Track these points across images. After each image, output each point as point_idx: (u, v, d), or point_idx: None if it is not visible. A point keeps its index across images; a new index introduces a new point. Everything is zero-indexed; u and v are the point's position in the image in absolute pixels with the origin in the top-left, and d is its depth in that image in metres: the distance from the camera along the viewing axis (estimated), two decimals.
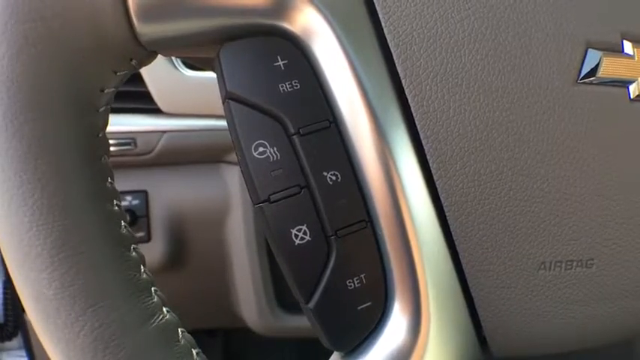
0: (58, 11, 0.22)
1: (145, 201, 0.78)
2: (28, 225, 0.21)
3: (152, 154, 0.75)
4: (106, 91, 0.24)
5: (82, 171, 0.23)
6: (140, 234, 0.78)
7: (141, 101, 0.74)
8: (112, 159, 0.25)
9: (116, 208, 0.24)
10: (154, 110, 0.74)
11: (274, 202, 0.23)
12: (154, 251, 0.79)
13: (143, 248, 0.26)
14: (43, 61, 0.22)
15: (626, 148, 0.25)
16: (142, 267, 0.24)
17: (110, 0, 0.22)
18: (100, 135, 0.25)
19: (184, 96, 0.73)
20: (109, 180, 0.24)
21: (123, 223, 0.24)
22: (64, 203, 0.22)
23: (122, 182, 0.77)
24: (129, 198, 0.77)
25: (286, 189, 0.23)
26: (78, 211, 0.22)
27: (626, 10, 0.24)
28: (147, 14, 0.23)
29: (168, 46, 0.25)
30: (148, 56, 0.25)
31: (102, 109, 0.25)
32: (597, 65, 0.24)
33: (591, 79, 0.24)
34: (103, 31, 0.23)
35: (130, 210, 0.77)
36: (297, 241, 0.23)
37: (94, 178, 0.23)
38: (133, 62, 0.25)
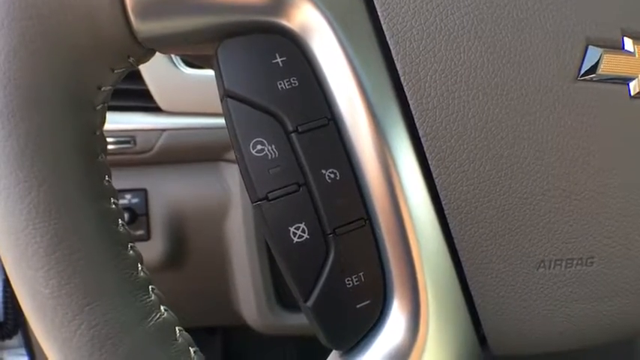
0: (55, 8, 0.22)
1: (144, 199, 0.78)
2: (24, 223, 0.21)
3: (152, 153, 0.75)
4: (103, 89, 0.24)
5: (79, 169, 0.23)
6: (140, 232, 0.78)
7: (140, 99, 0.74)
8: (111, 157, 0.25)
9: (113, 206, 0.24)
10: (154, 108, 0.74)
11: (272, 200, 0.23)
12: (153, 249, 0.79)
13: (143, 246, 0.26)
14: (40, 58, 0.22)
15: (626, 146, 0.24)
16: (139, 265, 0.24)
17: None
18: (97, 133, 0.24)
19: (184, 94, 0.73)
20: (107, 178, 0.24)
21: (120, 222, 0.24)
22: (60, 201, 0.22)
23: (122, 180, 0.78)
24: (128, 196, 0.77)
25: (284, 187, 0.23)
26: (74, 210, 0.22)
27: (626, 6, 0.24)
28: (144, 11, 0.23)
29: (166, 44, 0.25)
30: (146, 54, 0.25)
31: (99, 107, 0.24)
32: (597, 62, 0.24)
33: (591, 76, 0.24)
34: (100, 29, 0.23)
35: (129, 208, 0.77)
36: (296, 240, 0.23)
37: (90, 177, 0.23)
38: (131, 60, 0.25)
